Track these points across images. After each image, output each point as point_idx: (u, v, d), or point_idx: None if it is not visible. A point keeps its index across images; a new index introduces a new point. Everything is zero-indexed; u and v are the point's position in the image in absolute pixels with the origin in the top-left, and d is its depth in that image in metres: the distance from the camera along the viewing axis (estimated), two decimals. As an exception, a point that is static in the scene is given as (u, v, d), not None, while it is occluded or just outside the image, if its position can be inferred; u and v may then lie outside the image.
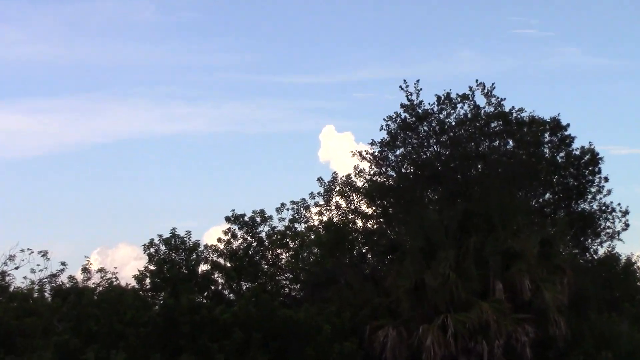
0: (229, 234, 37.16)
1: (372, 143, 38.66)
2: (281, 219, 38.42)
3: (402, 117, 38.12)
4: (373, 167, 39.02)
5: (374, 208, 38.62)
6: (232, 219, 37.45)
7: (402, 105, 38.15)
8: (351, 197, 39.36)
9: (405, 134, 38.15)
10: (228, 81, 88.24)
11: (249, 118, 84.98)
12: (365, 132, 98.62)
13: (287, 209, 38.88)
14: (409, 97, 37.99)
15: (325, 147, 71.31)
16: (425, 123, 37.87)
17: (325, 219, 38.62)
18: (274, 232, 37.50)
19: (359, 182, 39.55)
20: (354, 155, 39.17)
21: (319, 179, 40.06)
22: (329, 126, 75.38)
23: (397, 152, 38.44)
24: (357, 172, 39.67)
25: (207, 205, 76.87)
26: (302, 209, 39.25)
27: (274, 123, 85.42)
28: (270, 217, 37.84)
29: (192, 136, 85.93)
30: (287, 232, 37.51)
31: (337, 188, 39.76)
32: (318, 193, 39.79)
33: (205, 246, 36.10)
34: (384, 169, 38.86)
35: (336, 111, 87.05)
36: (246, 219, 37.44)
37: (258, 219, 37.57)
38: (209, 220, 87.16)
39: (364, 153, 38.96)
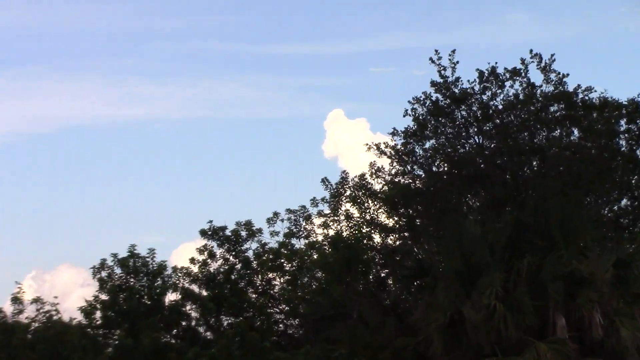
0: (206, 253, 37.51)
1: (394, 133, 38.86)
2: (274, 234, 38.74)
3: (434, 98, 38.28)
4: (395, 164, 39.28)
5: (396, 219, 38.84)
6: (210, 233, 37.72)
7: (433, 84, 38.28)
8: (366, 204, 39.51)
9: (438, 120, 38.29)
10: (205, 52, 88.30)
11: (232, 100, 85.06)
12: (384, 118, 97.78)
13: (282, 220, 39.24)
14: (443, 72, 38.23)
15: (332, 138, 72.13)
16: (463, 107, 38.00)
17: (331, 232, 38.83)
18: (264, 251, 37.73)
19: (377, 185, 39.79)
20: (369, 149, 39.38)
21: (324, 180, 40.35)
22: (336, 111, 75.69)
23: (427, 145, 38.70)
24: (373, 171, 39.85)
25: (177, 214, 77.00)
26: (301, 219, 39.56)
27: (264, 107, 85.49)
28: (260, 231, 38.13)
29: (157, 123, 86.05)
30: (282, 250, 37.73)
31: (348, 192, 39.97)
32: (322, 199, 40.08)
33: (174, 269, 36.50)
34: (409, 167, 39.10)
35: (346, 91, 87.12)
36: (228, 233, 37.65)
37: (243, 233, 37.79)
38: (179, 234, 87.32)
39: (383, 146, 39.21)
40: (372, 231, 38.82)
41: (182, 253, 53.31)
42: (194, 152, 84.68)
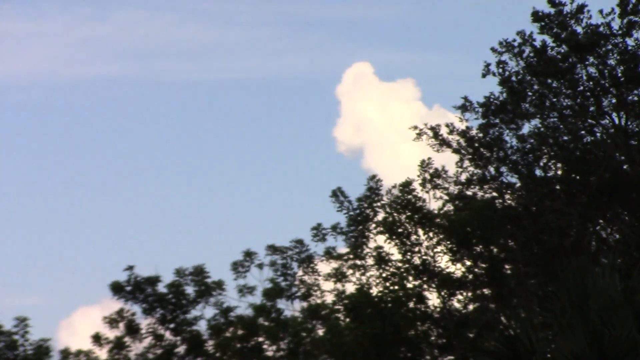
0: (122, 325, 37.17)
1: (466, 107, 38.09)
2: (245, 290, 38.07)
3: (538, 44, 37.51)
4: (467, 164, 38.63)
5: (468, 263, 38.06)
6: (129, 288, 37.06)
7: (536, 17, 37.29)
8: (414, 237, 38.71)
9: (545, 84, 37.12)
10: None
11: (165, 47, 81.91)
12: (447, 79, 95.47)
13: (260, 266, 38.66)
14: (554, -5, 37.74)
15: (351, 115, 72.07)
16: (592, 59, 36.97)
17: (351, 289, 38.11)
18: (228, 322, 36.99)
19: (433, 202, 39.54)
20: (420, 135, 38.64)
21: (337, 194, 39.43)
22: (360, 66, 73.28)
23: (525, 130, 37.96)
24: (428, 176, 39.26)
25: (69, 256, 73.92)
26: (294, 264, 38.90)
27: (229, 59, 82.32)
28: (220, 286, 38.00)
29: (26, 90, 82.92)
30: (260, 320, 36.72)
31: (381, 215, 39.29)
32: (334, 227, 39.55)
33: (65, 354, 36.58)
34: (492, 170, 38.19)
35: (379, 29, 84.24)
36: (162, 289, 37.23)
37: (190, 290, 37.39)
38: (72, 292, 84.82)
39: (445, 131, 38.48)
40: (425, 285, 38.14)
41: (78, 325, 53.89)
42: (96, 140, 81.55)
